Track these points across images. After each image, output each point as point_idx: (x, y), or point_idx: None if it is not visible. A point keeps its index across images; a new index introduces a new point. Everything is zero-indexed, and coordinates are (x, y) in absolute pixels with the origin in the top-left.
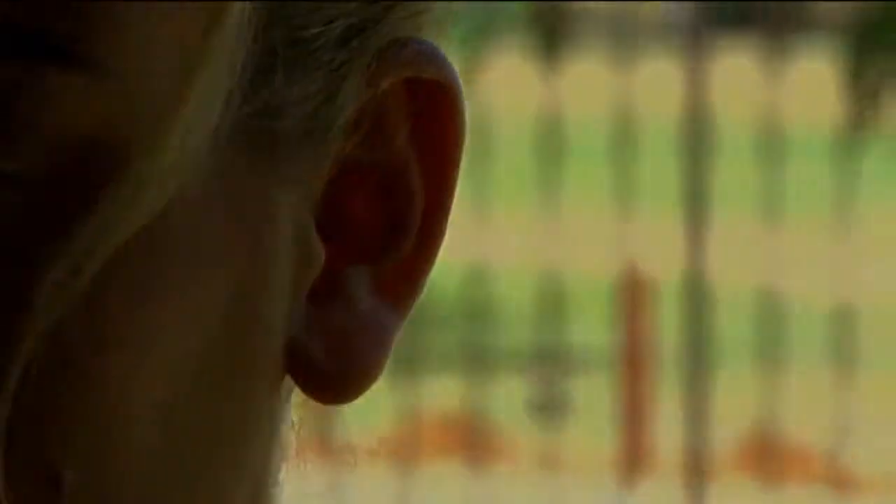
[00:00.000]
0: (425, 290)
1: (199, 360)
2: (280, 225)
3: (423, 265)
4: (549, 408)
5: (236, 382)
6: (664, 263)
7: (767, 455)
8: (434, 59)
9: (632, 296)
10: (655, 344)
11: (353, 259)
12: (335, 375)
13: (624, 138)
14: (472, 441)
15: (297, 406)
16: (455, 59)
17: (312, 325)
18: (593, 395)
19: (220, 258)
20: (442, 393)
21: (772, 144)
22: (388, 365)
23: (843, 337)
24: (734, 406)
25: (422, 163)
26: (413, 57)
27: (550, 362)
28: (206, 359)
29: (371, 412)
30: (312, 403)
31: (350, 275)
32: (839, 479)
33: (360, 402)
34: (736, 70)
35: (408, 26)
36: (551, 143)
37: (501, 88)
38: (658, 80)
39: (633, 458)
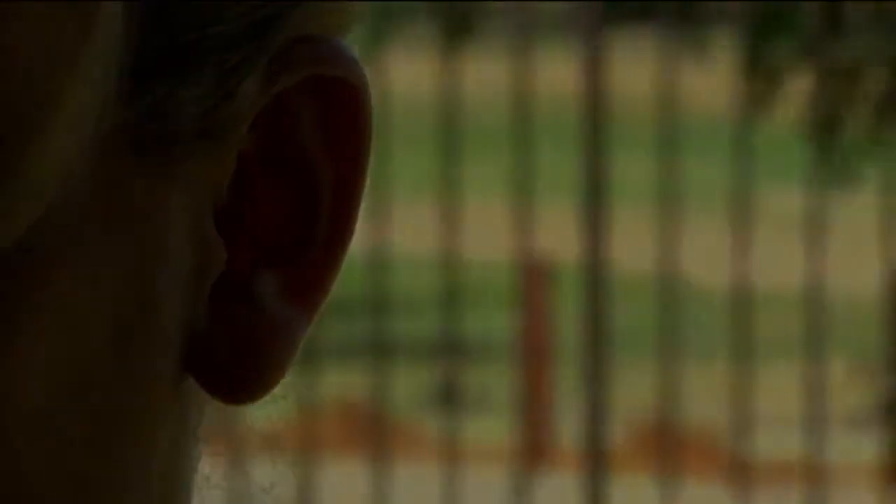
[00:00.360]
0: None
1: (84, 362)
2: (173, 225)
3: (332, 267)
4: (450, 398)
5: (127, 382)
6: (564, 253)
7: (668, 445)
8: (339, 57)
9: (532, 285)
10: (555, 334)
11: (260, 260)
12: (237, 377)
13: (524, 128)
14: (373, 431)
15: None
16: (354, 49)
17: (217, 325)
18: (494, 386)
19: (104, 260)
20: (342, 383)
21: (670, 133)
22: None
23: (743, 325)
24: (634, 395)
25: (330, 163)
26: (316, 55)
27: (451, 352)
28: (93, 361)
29: (270, 402)
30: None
31: (257, 276)
32: (739, 469)
33: None
34: (635, 61)
35: (312, 25)
36: (451, 133)
37: (401, 78)
38: (558, 71)
39: (534, 448)
